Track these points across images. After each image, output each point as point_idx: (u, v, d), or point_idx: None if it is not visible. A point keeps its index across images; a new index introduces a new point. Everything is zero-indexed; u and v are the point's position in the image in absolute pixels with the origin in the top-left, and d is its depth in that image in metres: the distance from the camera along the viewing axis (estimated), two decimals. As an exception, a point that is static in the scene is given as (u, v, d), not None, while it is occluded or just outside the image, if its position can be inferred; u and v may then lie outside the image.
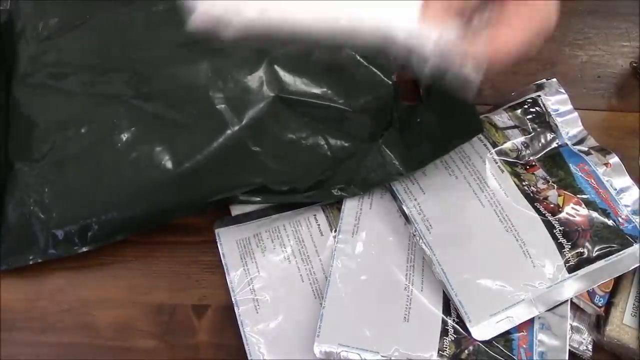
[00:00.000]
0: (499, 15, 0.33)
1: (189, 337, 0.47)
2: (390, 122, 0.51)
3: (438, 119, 0.51)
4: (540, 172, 0.49)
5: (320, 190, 0.49)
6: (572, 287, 0.44)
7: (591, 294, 0.45)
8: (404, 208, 0.48)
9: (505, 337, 0.43)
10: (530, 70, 0.56)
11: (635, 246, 0.45)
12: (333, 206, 0.50)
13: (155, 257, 0.50)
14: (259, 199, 0.50)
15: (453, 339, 0.43)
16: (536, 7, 0.33)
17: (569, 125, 0.52)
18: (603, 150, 0.51)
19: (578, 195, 0.47)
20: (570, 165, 0.49)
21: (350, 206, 0.49)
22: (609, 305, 0.45)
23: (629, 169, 0.49)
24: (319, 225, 0.49)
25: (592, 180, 0.48)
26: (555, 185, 0.48)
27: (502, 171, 0.48)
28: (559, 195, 0.47)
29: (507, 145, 0.50)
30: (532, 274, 0.44)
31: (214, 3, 0.34)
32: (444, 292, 0.44)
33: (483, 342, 0.42)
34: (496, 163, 0.49)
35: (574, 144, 0.52)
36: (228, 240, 0.49)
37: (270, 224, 0.50)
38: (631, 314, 0.45)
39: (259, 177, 0.49)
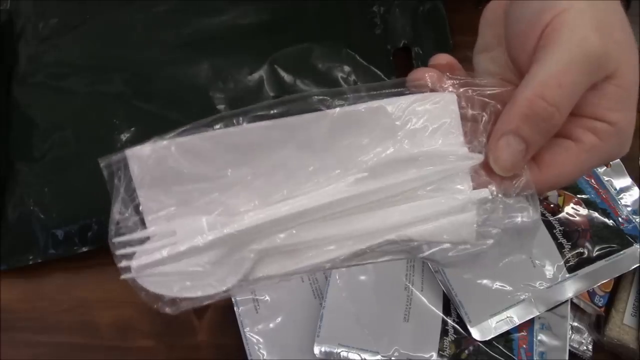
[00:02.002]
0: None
1: (189, 337, 0.47)
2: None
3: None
4: (540, 172, 0.49)
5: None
6: (572, 287, 0.44)
7: (591, 294, 0.45)
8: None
9: (506, 337, 0.43)
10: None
11: (635, 246, 0.45)
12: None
13: (155, 257, 0.50)
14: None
15: (453, 339, 0.43)
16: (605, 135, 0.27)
17: (569, 125, 0.52)
18: (603, 150, 0.51)
19: (578, 195, 0.47)
20: (570, 165, 0.49)
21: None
22: (609, 305, 0.45)
23: (629, 169, 0.49)
24: (319, 225, 0.49)
25: (592, 180, 0.48)
26: (555, 185, 0.48)
27: (502, 171, 0.48)
28: (559, 195, 0.47)
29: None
30: (532, 274, 0.44)
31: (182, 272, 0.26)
32: (444, 292, 0.44)
33: (483, 342, 0.42)
34: (496, 163, 0.49)
35: (574, 144, 0.52)
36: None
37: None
38: (631, 314, 0.45)
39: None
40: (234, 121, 0.26)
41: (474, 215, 0.26)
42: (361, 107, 0.26)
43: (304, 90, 0.51)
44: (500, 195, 0.27)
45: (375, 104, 0.26)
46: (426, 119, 0.27)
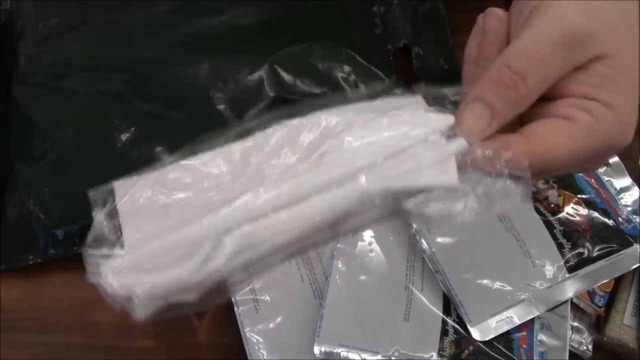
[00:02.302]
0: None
1: (189, 337, 0.47)
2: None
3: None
4: (540, 172, 0.49)
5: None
6: (572, 287, 0.44)
7: (591, 294, 0.45)
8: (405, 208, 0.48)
9: (506, 337, 0.43)
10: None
11: (635, 246, 0.45)
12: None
13: (155, 257, 0.50)
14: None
15: (453, 339, 0.43)
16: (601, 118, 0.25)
17: (569, 125, 0.52)
18: (603, 150, 0.51)
19: (578, 195, 0.47)
20: (571, 165, 0.49)
21: (350, 206, 0.49)
22: (609, 305, 0.45)
23: (629, 169, 0.49)
24: (319, 225, 0.49)
25: (593, 180, 0.48)
26: (555, 185, 0.48)
27: (502, 171, 0.48)
28: (559, 195, 0.47)
29: (507, 145, 0.50)
30: (532, 274, 0.44)
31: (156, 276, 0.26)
32: (444, 292, 0.44)
33: (483, 342, 0.42)
34: (496, 163, 0.49)
35: (574, 144, 0.52)
36: (228, 240, 0.49)
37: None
38: (631, 314, 0.45)
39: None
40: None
41: (454, 160, 0.26)
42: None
43: (304, 91, 0.51)
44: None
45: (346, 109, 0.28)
46: (396, 111, 0.27)
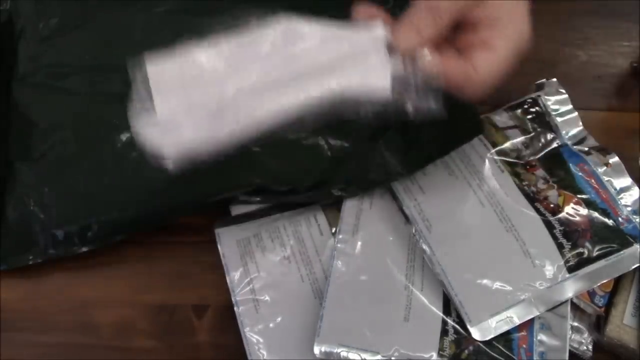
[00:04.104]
0: (474, 40, 0.36)
1: (189, 337, 0.47)
2: (391, 123, 0.51)
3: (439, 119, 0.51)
4: (540, 172, 0.49)
5: (320, 190, 0.49)
6: (572, 287, 0.44)
7: (591, 294, 0.45)
8: (404, 208, 0.48)
9: (505, 337, 0.43)
10: (530, 71, 0.56)
11: (635, 246, 0.45)
12: (333, 206, 0.50)
13: (155, 257, 0.50)
14: (258, 198, 0.50)
15: (453, 339, 0.43)
16: (511, 30, 0.36)
17: (569, 125, 0.52)
18: (603, 150, 0.51)
19: (578, 195, 0.47)
20: (570, 165, 0.49)
21: (350, 206, 0.49)
22: (609, 305, 0.45)
23: (629, 169, 0.49)
24: (319, 225, 0.49)
25: (592, 180, 0.48)
26: (555, 185, 0.48)
27: (502, 171, 0.48)
28: (559, 195, 0.47)
29: (507, 145, 0.50)
30: (532, 274, 0.44)
31: (180, 136, 0.35)
32: (444, 292, 0.44)
33: (483, 342, 0.42)
34: (496, 163, 0.49)
35: (574, 144, 0.52)
36: (228, 240, 0.49)
37: (270, 223, 0.50)
38: (631, 314, 0.45)
39: (259, 177, 0.49)
40: None
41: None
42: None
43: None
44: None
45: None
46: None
